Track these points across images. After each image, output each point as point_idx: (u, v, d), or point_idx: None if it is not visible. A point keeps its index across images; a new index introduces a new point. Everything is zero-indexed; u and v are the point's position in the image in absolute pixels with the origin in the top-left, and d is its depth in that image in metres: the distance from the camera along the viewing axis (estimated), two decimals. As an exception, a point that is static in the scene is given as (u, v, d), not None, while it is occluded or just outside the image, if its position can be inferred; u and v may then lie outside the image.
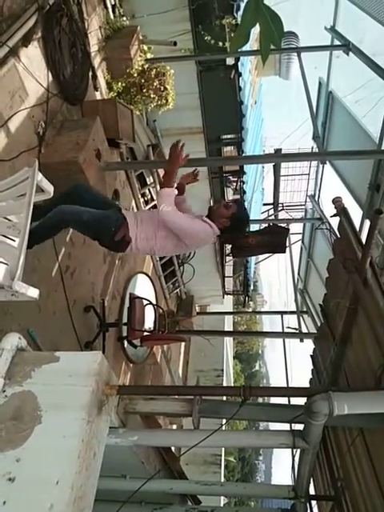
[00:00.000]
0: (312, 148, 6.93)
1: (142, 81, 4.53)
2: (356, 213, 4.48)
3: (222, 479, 9.00)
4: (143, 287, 5.74)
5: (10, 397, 1.40)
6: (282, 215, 9.95)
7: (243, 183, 6.84)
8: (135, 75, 4.54)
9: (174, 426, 6.65)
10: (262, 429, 17.05)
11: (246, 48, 5.07)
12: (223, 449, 9.23)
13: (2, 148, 2.69)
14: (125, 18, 4.90)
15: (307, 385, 3.29)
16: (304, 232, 7.99)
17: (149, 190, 5.96)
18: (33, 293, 1.61)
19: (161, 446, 2.30)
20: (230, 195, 8.57)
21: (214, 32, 5.11)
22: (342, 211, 2.26)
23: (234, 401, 1.93)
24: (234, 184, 8.49)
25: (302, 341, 6.62)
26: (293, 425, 1.90)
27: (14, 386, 1.43)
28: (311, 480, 2.26)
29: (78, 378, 1.44)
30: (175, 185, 2.48)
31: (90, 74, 4.11)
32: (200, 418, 1.84)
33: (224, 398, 3.39)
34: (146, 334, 4.55)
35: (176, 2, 4.96)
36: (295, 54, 5.51)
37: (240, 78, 5.52)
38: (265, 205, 10.27)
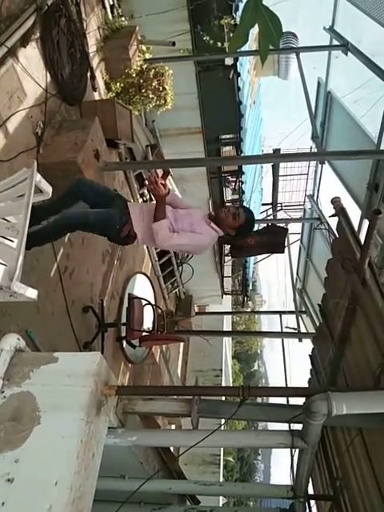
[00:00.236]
0: (311, 148, 6.92)
1: (141, 81, 4.53)
2: (355, 213, 4.50)
3: (221, 479, 9.01)
4: (142, 287, 5.75)
5: (9, 397, 1.40)
6: (280, 215, 9.93)
7: (242, 183, 6.84)
8: (134, 75, 4.54)
9: (173, 426, 6.65)
10: (261, 429, 17.12)
11: (245, 48, 5.07)
12: (222, 449, 9.24)
13: (0, 149, 2.69)
14: (123, 19, 4.90)
15: (306, 385, 3.28)
16: (303, 232, 7.98)
17: (147, 190, 5.96)
18: (31, 293, 1.61)
19: (160, 446, 2.30)
20: (228, 195, 8.58)
21: (213, 32, 5.11)
22: (340, 211, 2.26)
23: (232, 401, 1.93)
24: (233, 184, 8.50)
25: (300, 341, 6.61)
26: (292, 425, 1.90)
27: (12, 386, 1.43)
28: (310, 480, 2.25)
29: (77, 379, 1.44)
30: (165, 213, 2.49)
31: (89, 74, 4.11)
32: (199, 418, 1.84)
33: (223, 398, 3.40)
34: (144, 334, 4.55)
35: (175, 2, 4.96)
36: (294, 54, 5.52)
37: (239, 78, 5.53)
38: (263, 205, 10.27)
